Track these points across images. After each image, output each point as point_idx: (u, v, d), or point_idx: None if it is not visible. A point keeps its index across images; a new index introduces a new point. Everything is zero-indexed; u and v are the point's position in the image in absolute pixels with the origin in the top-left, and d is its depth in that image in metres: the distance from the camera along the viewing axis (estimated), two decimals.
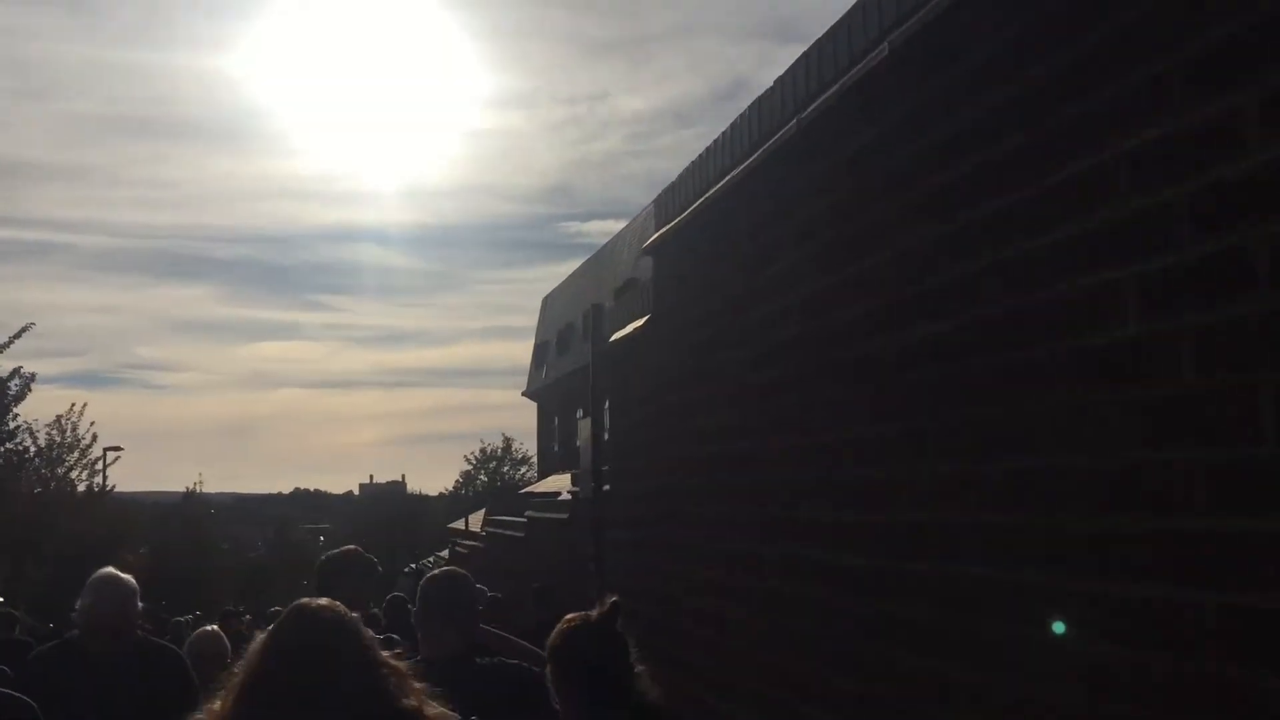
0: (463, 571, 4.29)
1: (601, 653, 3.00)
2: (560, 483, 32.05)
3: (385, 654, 2.63)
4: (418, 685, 2.59)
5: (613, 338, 6.54)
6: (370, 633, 2.68)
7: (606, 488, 7.96)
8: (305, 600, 2.66)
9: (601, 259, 46.29)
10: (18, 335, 20.69)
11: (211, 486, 59.56)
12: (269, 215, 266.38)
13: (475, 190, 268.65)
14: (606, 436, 7.69)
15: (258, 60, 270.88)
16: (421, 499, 72.77)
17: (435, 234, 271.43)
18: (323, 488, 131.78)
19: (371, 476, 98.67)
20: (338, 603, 2.68)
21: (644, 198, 44.85)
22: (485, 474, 60.16)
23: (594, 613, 3.11)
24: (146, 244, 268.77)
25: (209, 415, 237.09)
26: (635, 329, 6.10)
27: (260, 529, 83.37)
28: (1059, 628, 2.23)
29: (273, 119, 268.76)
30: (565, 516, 10.26)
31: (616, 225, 47.42)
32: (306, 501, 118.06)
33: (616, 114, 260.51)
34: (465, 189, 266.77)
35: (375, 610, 9.12)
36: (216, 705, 2.47)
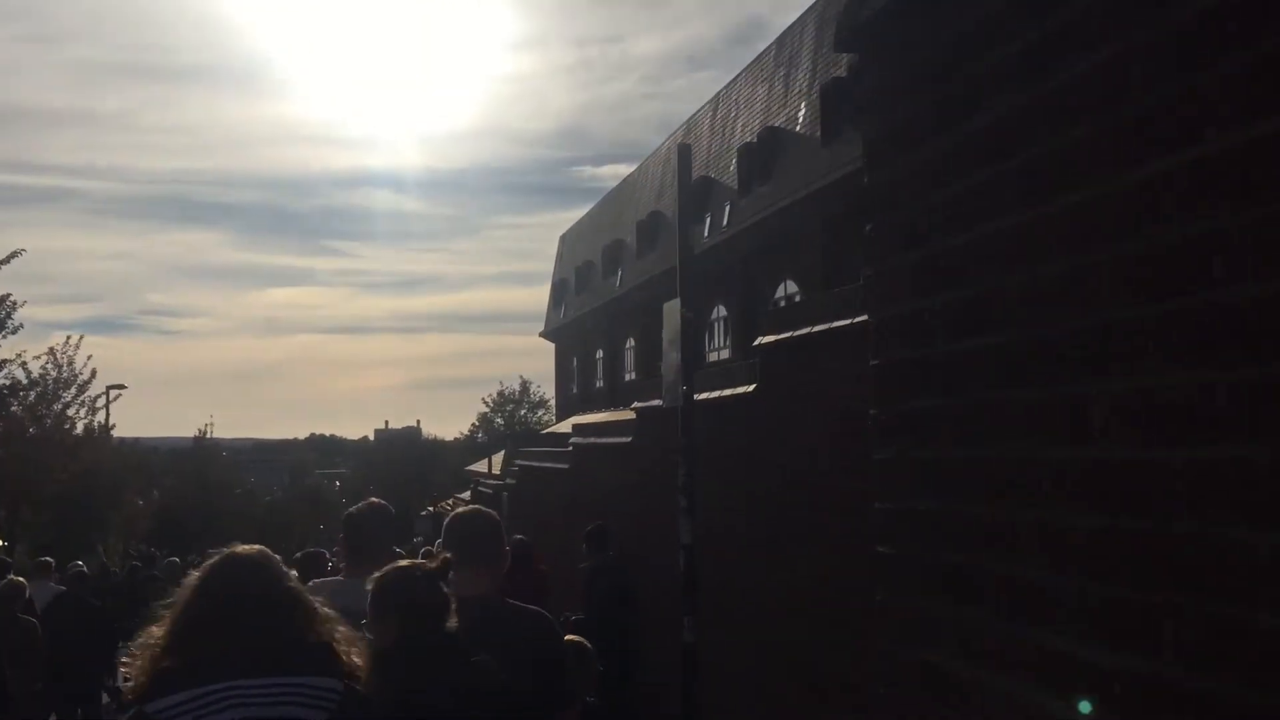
0: (489, 510, 3.99)
1: (425, 597, 3.05)
2: (581, 423, 30.31)
3: (314, 599, 2.71)
4: (340, 629, 2.68)
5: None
6: (293, 575, 2.76)
7: (705, 395, 5.89)
8: (234, 547, 2.76)
9: (622, 194, 44.12)
10: (6, 260, 18.67)
11: (227, 432, 58.44)
12: (281, 160, 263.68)
13: (488, 134, 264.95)
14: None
15: (268, 3, 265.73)
16: (437, 443, 71.63)
17: (448, 179, 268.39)
18: (338, 433, 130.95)
19: (387, 422, 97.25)
20: (263, 548, 2.77)
21: (656, 140, 42.49)
22: (502, 417, 58.61)
23: (429, 563, 3.18)
24: (158, 189, 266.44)
25: (222, 361, 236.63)
26: None
27: (277, 475, 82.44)
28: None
29: (283, 63, 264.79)
30: (627, 440, 8.19)
31: (629, 169, 45.10)
32: (322, 447, 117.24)
33: (629, 56, 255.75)
34: (477, 133, 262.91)
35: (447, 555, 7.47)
36: (156, 631, 2.59)
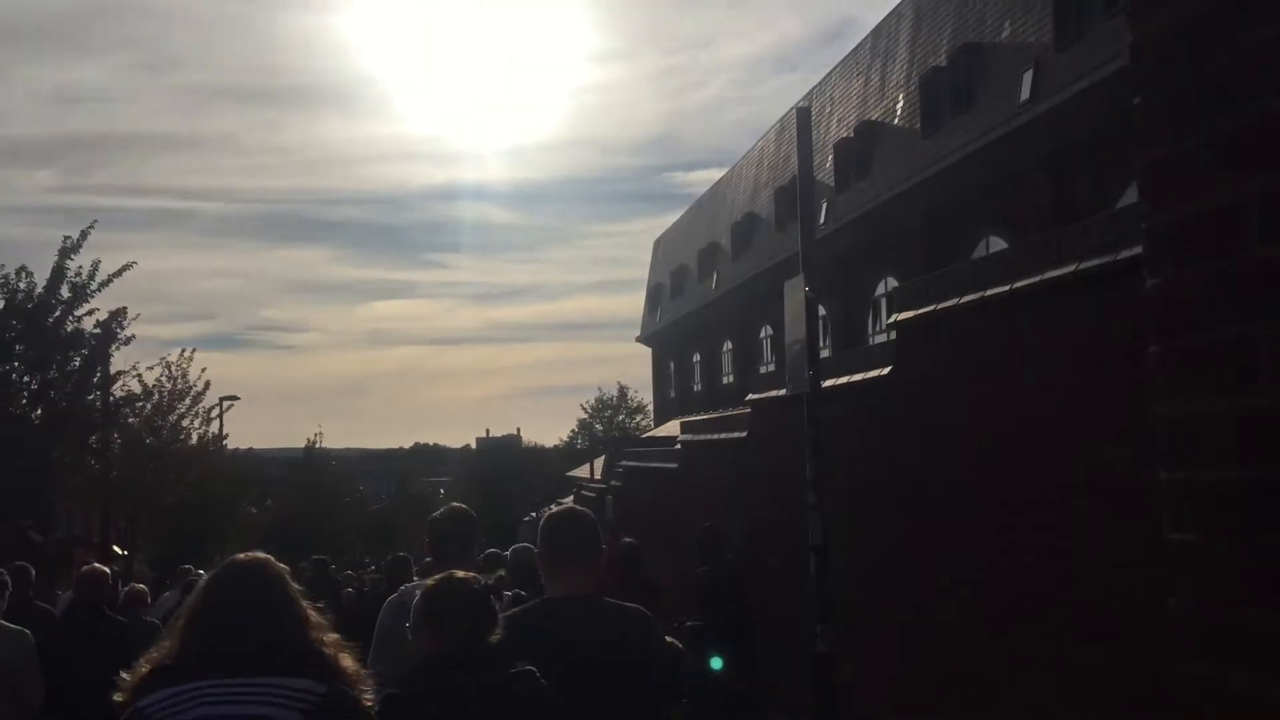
0: (584, 509, 3.89)
1: (471, 608, 3.10)
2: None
3: (308, 606, 2.79)
4: (331, 636, 2.75)
5: None
6: (293, 585, 2.81)
7: (832, 382, 5.39)
8: (237, 556, 2.88)
9: (716, 197, 43.60)
10: (119, 273, 19.10)
11: (335, 442, 59.65)
12: (378, 177, 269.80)
13: (579, 144, 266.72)
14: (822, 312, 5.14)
15: (362, 24, 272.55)
16: (537, 450, 71.98)
17: (542, 190, 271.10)
18: (441, 442, 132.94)
19: (488, 430, 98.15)
20: (266, 556, 2.87)
21: (748, 144, 41.83)
22: (601, 423, 58.54)
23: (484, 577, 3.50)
24: (265, 209, 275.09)
25: (331, 373, 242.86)
26: None
27: (384, 483, 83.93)
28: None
29: (378, 83, 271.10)
30: (742, 435, 7.71)
31: (721, 173, 44.57)
32: (426, 455, 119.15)
33: (719, 61, 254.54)
34: (570, 143, 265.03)
35: (501, 574, 7.33)
36: (165, 644, 2.71)
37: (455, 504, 4.72)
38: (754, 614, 7.55)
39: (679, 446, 9.87)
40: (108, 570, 8.46)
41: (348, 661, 2.70)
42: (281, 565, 2.83)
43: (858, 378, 5.22)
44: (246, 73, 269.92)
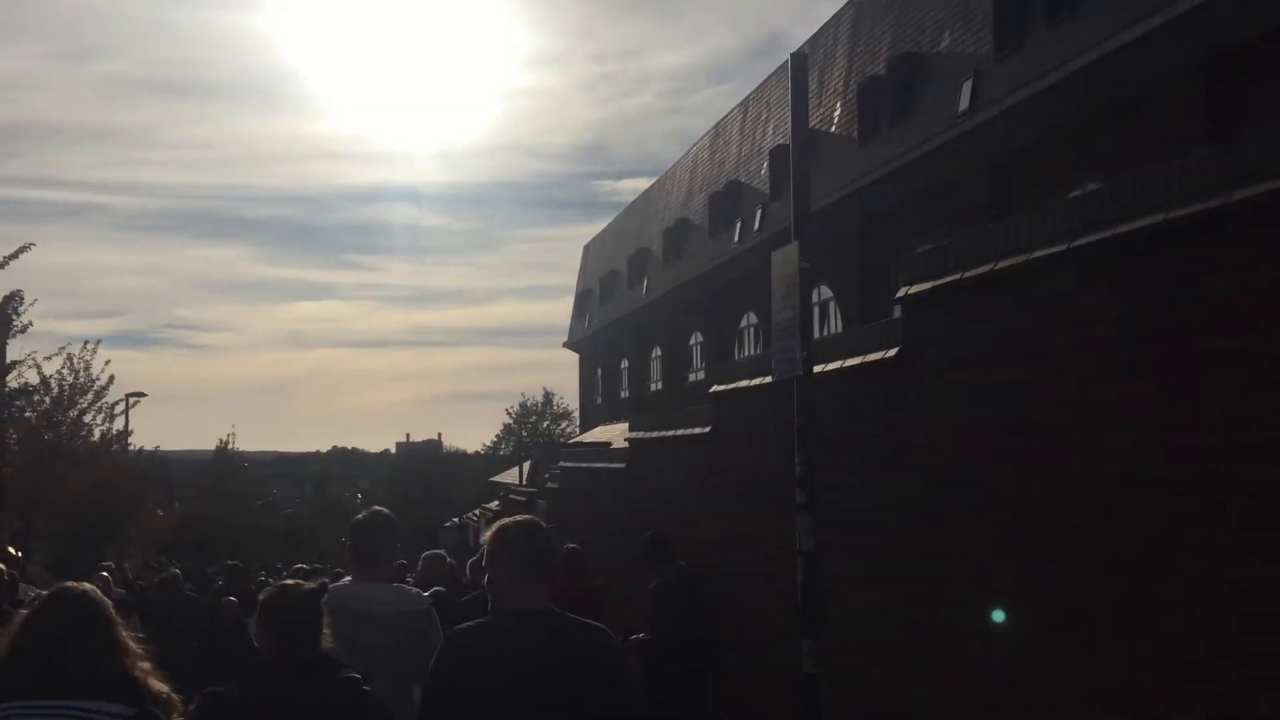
0: (539, 521, 3.73)
1: (299, 615, 3.25)
2: (610, 434, 29.08)
3: (126, 634, 2.98)
4: (145, 664, 2.93)
5: None
6: (113, 615, 3.01)
7: (825, 367, 4.74)
8: (65, 584, 3.09)
9: (648, 202, 43.04)
10: (15, 255, 17.64)
11: (250, 444, 57.60)
12: (302, 175, 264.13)
13: (508, 149, 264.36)
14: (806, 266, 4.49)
15: (287, 19, 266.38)
16: (460, 455, 70.61)
17: (468, 193, 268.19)
18: (360, 446, 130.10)
19: (408, 435, 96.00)
20: (90, 587, 3.06)
21: (677, 154, 41.35)
22: (525, 429, 57.55)
23: (308, 583, 3.45)
24: (182, 204, 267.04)
25: (246, 375, 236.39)
26: None
27: (299, 487, 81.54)
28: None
29: (303, 79, 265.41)
30: (705, 430, 7.02)
31: (650, 183, 44.12)
32: (344, 459, 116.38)
33: (649, 70, 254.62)
34: (498, 148, 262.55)
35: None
36: None
37: (376, 507, 4.73)
38: (710, 627, 6.89)
39: (626, 445, 9.15)
40: (4, 569, 7.79)
41: (159, 686, 2.90)
42: (104, 598, 3.03)
43: (856, 361, 4.59)
44: (165, 65, 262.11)
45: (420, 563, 8.47)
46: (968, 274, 3.72)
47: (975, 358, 3.88)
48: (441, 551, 9.47)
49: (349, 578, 4.43)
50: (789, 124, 22.85)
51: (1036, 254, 3.40)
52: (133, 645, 2.96)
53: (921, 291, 4.11)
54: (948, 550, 4.10)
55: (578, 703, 3.10)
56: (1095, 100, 16.99)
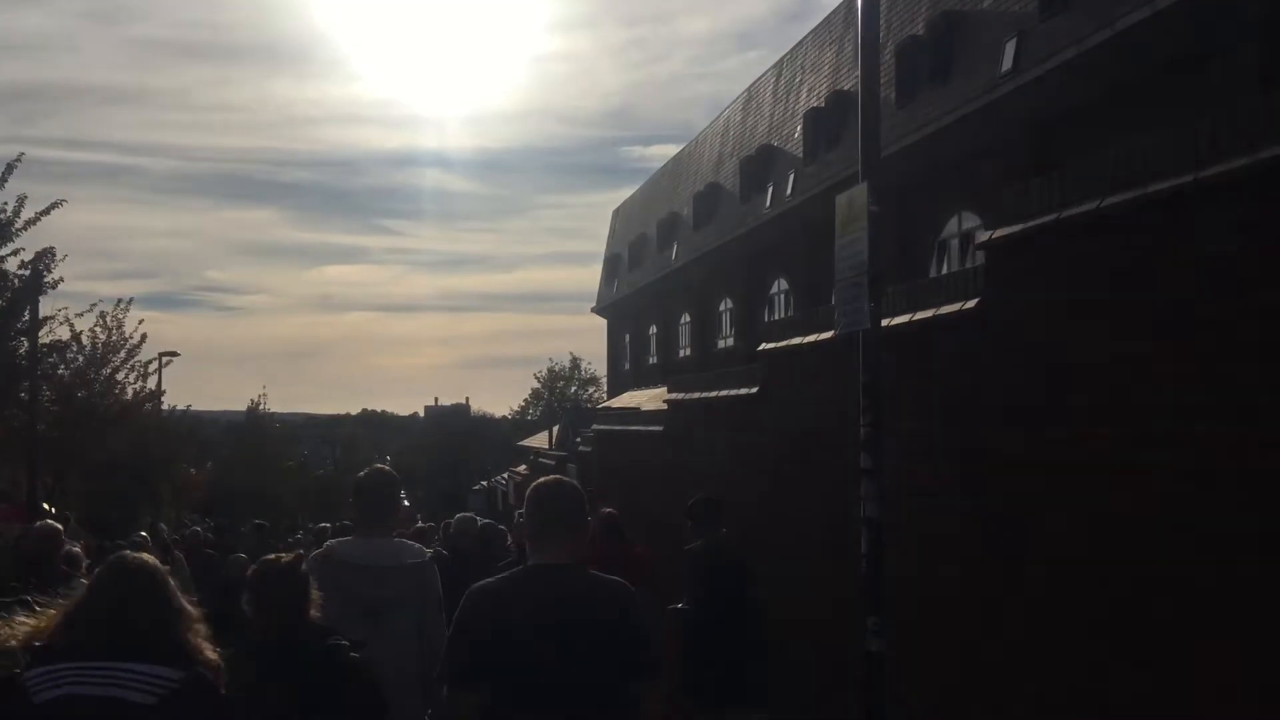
0: (571, 479, 3.79)
1: (280, 588, 3.46)
2: (638, 399, 28.76)
3: (184, 602, 3.07)
4: (201, 628, 3.05)
5: None
6: (172, 584, 3.12)
7: (892, 321, 4.38)
8: (124, 553, 3.18)
9: (678, 166, 42.44)
10: (46, 211, 17.45)
11: (282, 406, 57.85)
12: (332, 140, 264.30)
13: (537, 114, 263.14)
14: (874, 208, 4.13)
15: None
16: (487, 420, 70.65)
17: (497, 158, 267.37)
18: (389, 409, 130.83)
19: (436, 399, 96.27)
20: (150, 559, 3.15)
21: (706, 120, 40.63)
22: (553, 394, 57.39)
23: (286, 556, 3.58)
24: (214, 167, 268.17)
25: (278, 337, 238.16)
26: None
27: (329, 449, 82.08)
28: None
29: (333, 43, 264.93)
30: (752, 391, 6.68)
31: (679, 149, 43.47)
32: (373, 422, 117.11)
33: (680, 35, 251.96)
34: (527, 113, 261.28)
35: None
36: (39, 623, 2.99)
37: (378, 465, 4.84)
38: (754, 598, 6.57)
39: (666, 407, 8.81)
40: (60, 528, 7.76)
41: (209, 654, 2.99)
42: (161, 567, 3.11)
43: (927, 314, 4.22)
44: (198, 27, 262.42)
45: (452, 524, 8.31)
46: (1066, 213, 3.35)
47: (1064, 308, 3.51)
48: (472, 514, 9.35)
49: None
50: (823, 86, 22.28)
51: (1152, 188, 3.01)
52: (191, 612, 3.06)
53: (1010, 234, 3.73)
54: (1026, 521, 3.76)
55: (591, 653, 3.15)
56: (1145, 60, 16.34)
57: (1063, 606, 3.67)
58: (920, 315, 4.29)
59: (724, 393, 7.15)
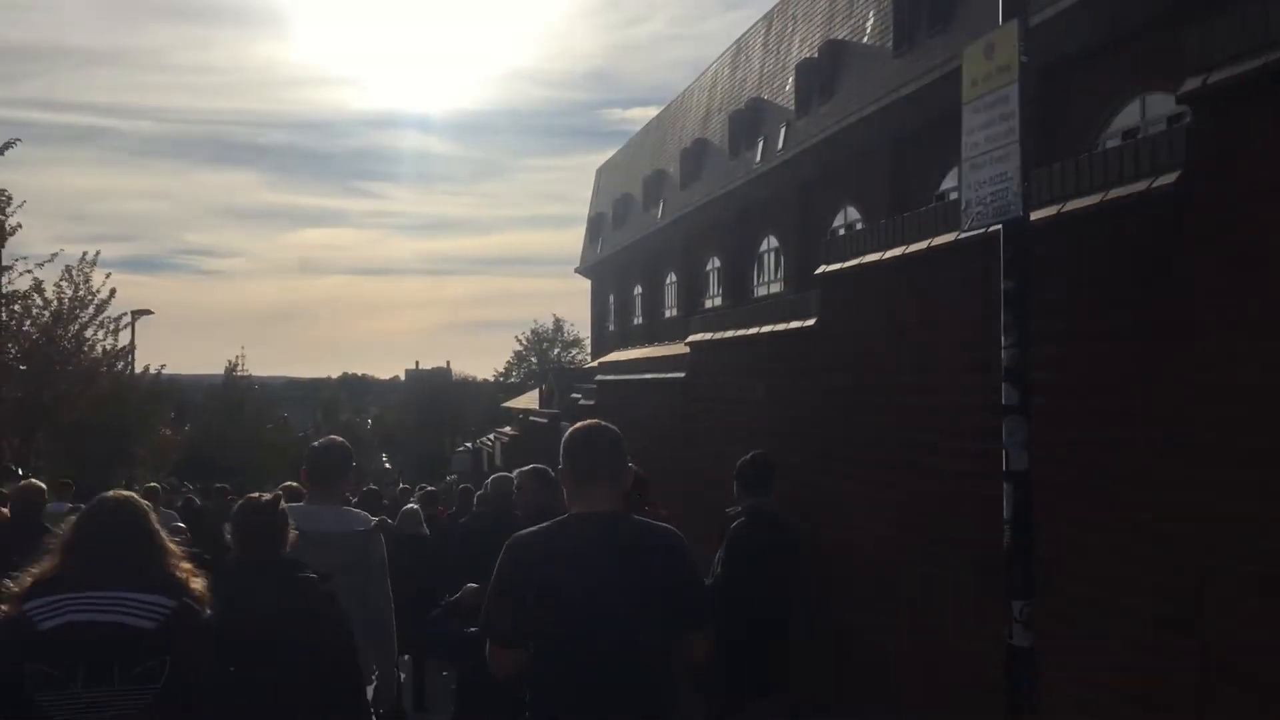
0: (608, 424, 3.48)
1: (256, 522, 3.62)
2: (627, 356, 27.67)
3: (166, 537, 3.28)
4: (186, 564, 3.22)
5: None
6: (155, 519, 3.31)
7: (1042, 212, 3.32)
8: (105, 494, 3.36)
9: (664, 122, 41.09)
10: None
11: (262, 369, 56.47)
12: (311, 101, 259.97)
13: (516, 77, 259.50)
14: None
15: None
16: (470, 383, 69.48)
17: (476, 120, 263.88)
18: (370, 373, 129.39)
19: (417, 362, 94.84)
20: (130, 494, 3.40)
21: (687, 82, 39.25)
22: (536, 356, 56.28)
23: (266, 494, 3.78)
24: (192, 129, 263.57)
25: (257, 300, 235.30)
26: None
27: (309, 412, 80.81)
28: None
29: (313, 5, 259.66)
30: (808, 324, 5.60)
31: (659, 111, 42.13)
32: (354, 386, 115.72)
33: None
34: (506, 76, 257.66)
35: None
36: (46, 563, 3.13)
37: (332, 436, 4.99)
38: (809, 574, 5.57)
39: (688, 349, 7.69)
40: (44, 486, 8.13)
41: (197, 584, 3.17)
42: (143, 504, 3.28)
43: (1088, 202, 3.17)
44: None
45: (489, 485, 7.25)
46: None
47: None
48: (509, 474, 8.43)
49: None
50: (816, 37, 20.91)
51: None
52: (173, 548, 3.25)
53: (1230, 78, 2.66)
54: (1234, 487, 2.77)
55: (646, 606, 2.98)
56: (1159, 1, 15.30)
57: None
58: (1076, 204, 3.24)
59: (768, 329, 6.05)
